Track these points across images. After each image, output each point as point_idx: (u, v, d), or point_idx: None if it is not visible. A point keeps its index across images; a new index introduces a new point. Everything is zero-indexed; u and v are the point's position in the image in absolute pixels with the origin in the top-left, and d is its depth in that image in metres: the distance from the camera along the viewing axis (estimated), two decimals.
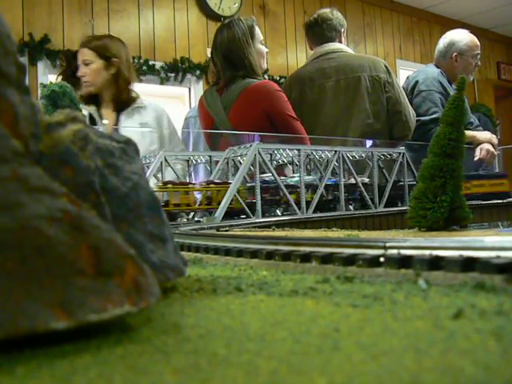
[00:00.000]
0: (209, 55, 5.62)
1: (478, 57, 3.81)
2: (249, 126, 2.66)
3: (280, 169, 2.34)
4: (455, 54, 3.72)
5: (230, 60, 2.78)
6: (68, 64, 3.71)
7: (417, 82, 3.68)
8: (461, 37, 3.81)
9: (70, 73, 3.56)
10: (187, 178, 2.34)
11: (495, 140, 3.67)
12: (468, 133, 3.58)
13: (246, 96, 2.75)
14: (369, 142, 2.99)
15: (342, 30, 3.31)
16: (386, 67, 3.16)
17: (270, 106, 2.76)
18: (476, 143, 3.59)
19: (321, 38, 3.27)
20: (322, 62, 3.21)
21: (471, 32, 3.93)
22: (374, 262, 0.64)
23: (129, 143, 0.58)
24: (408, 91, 3.68)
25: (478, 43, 3.81)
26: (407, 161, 2.45)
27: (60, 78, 3.60)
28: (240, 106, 2.77)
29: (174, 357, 0.33)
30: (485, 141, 3.60)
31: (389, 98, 3.12)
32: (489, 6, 7.92)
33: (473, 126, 3.84)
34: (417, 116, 3.42)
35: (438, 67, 3.79)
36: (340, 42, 3.30)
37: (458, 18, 8.15)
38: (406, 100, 3.20)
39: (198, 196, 2.00)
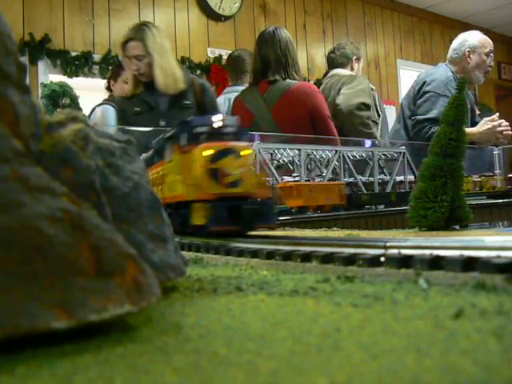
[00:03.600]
0: (210, 55, 5.66)
1: (491, 55, 3.86)
2: (292, 124, 2.89)
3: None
4: (468, 49, 3.79)
5: (281, 61, 2.99)
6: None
7: (424, 82, 3.75)
8: (473, 34, 3.95)
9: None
10: None
11: (495, 119, 3.68)
12: (468, 130, 3.59)
13: (291, 96, 2.95)
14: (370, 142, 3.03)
15: (354, 57, 3.82)
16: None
17: (314, 106, 3.01)
18: (482, 141, 3.62)
19: (333, 63, 3.83)
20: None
21: None
22: (374, 261, 0.64)
23: (129, 143, 0.58)
24: (415, 91, 3.83)
25: (491, 42, 3.89)
26: (407, 160, 2.45)
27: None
28: (284, 104, 2.97)
29: (174, 356, 0.33)
30: (484, 132, 3.61)
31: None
32: (489, 6, 7.92)
33: None
34: (417, 116, 3.68)
35: (449, 67, 3.83)
36: (351, 67, 3.80)
37: (458, 17, 8.14)
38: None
39: None
